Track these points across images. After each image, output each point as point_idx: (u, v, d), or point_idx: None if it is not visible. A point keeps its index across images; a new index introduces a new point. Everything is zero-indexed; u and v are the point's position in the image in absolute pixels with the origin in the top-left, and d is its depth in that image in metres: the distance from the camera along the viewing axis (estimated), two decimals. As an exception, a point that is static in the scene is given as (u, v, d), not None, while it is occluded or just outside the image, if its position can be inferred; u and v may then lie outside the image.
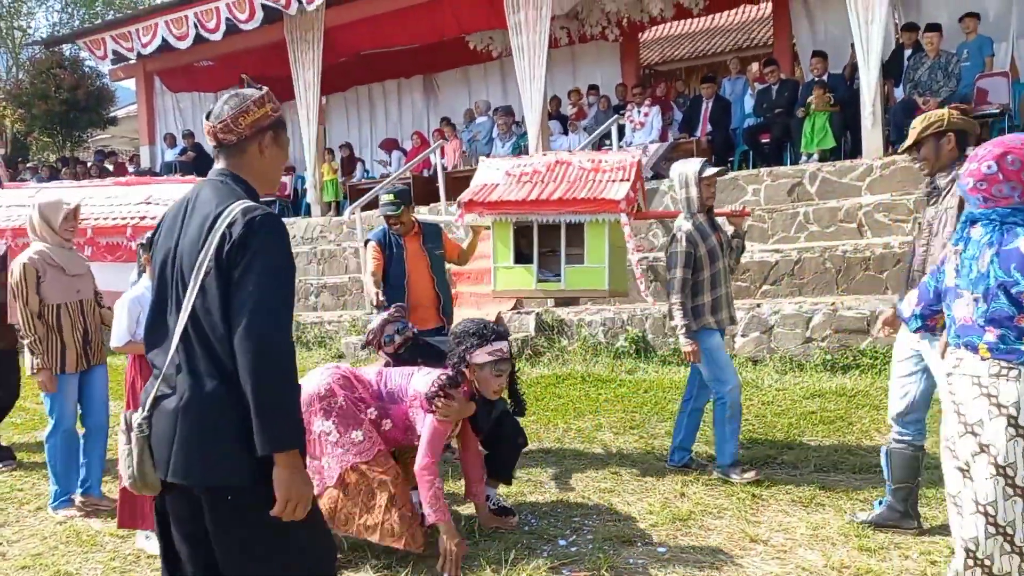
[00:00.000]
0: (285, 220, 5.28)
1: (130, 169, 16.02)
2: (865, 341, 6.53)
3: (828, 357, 6.56)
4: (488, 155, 12.63)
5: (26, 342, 4.46)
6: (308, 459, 3.14)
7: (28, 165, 17.88)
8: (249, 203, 2.11)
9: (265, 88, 2.28)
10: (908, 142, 3.64)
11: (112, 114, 19.86)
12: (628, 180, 5.82)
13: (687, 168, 4.54)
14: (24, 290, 4.42)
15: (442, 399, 3.54)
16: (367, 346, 4.28)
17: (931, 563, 3.36)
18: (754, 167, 10.11)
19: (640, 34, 14.70)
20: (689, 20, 16.13)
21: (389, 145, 14.50)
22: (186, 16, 13.13)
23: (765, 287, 7.82)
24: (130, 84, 16.45)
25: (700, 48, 17.36)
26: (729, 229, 4.91)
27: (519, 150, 11.73)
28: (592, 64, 14.43)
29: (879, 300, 6.88)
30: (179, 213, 2.23)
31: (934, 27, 9.18)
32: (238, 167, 2.24)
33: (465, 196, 5.88)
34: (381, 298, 4.80)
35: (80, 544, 4.15)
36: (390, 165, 13.99)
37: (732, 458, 4.45)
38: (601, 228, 6.06)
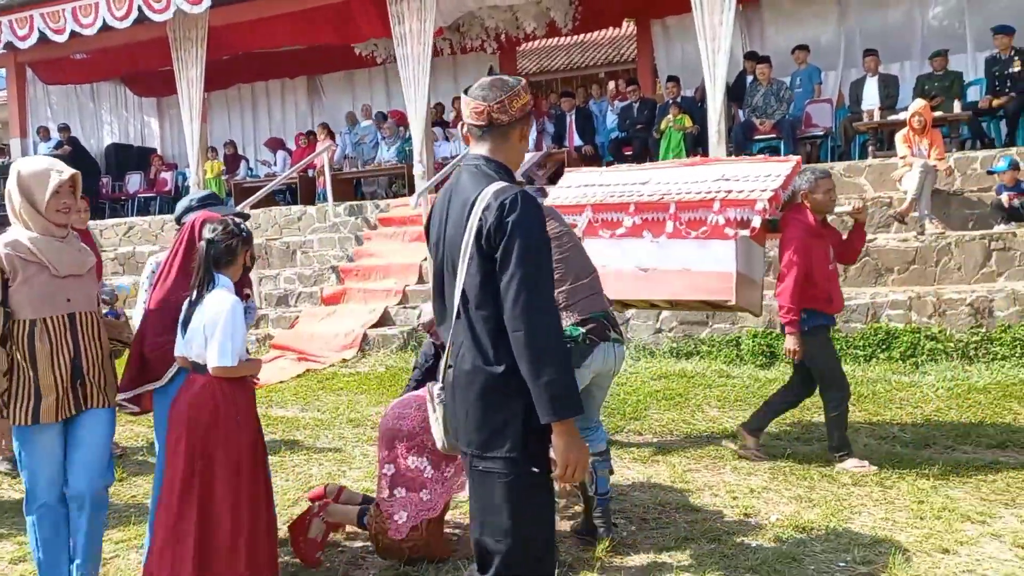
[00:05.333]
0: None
1: (0, 161, 15.55)
2: (704, 332, 7.58)
3: (674, 345, 7.58)
4: (374, 159, 13.18)
5: None
6: (406, 491, 3.54)
7: None
8: (500, 185, 2.20)
9: (523, 79, 2.38)
10: None
11: (-25, 103, 19.04)
12: None
13: None
14: None
15: None
16: None
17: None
18: (619, 176, 11.08)
19: (517, 47, 15.57)
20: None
21: (274, 144, 14.76)
22: (63, 10, 12.99)
23: (624, 285, 8.79)
24: (-2, 73, 15.95)
25: (574, 61, 18.49)
26: None
27: (404, 154, 12.29)
28: (473, 74, 15.16)
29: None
30: (445, 199, 2.37)
31: (764, 59, 10.46)
32: (497, 150, 2.31)
33: None
34: None
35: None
36: (275, 165, 14.26)
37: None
38: None
